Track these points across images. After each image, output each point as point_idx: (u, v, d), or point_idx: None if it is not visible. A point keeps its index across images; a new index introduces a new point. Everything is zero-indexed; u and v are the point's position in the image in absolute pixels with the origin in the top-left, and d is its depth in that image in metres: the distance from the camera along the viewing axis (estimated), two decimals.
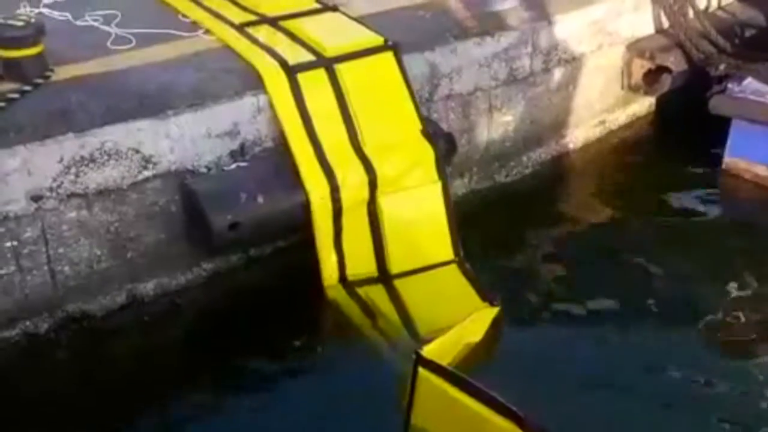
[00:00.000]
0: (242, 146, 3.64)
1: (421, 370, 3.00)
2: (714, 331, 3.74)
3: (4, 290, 3.28)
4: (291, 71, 3.68)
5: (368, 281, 3.80)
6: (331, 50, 3.81)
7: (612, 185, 4.93)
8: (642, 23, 5.07)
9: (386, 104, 3.88)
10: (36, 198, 3.19)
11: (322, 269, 3.72)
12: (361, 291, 3.76)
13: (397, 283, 3.80)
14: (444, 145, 3.94)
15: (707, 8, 5.47)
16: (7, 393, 3.22)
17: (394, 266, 3.82)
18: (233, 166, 3.63)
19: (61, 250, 3.34)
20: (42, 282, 3.35)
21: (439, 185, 3.87)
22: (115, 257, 3.49)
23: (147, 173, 3.41)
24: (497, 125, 4.52)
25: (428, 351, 3.06)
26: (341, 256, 3.76)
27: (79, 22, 4.08)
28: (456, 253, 3.90)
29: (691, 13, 5.18)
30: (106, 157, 3.28)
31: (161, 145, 3.40)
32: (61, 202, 3.26)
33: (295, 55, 3.79)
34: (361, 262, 3.79)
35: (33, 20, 3.50)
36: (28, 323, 3.40)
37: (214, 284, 3.83)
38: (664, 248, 4.31)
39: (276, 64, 3.71)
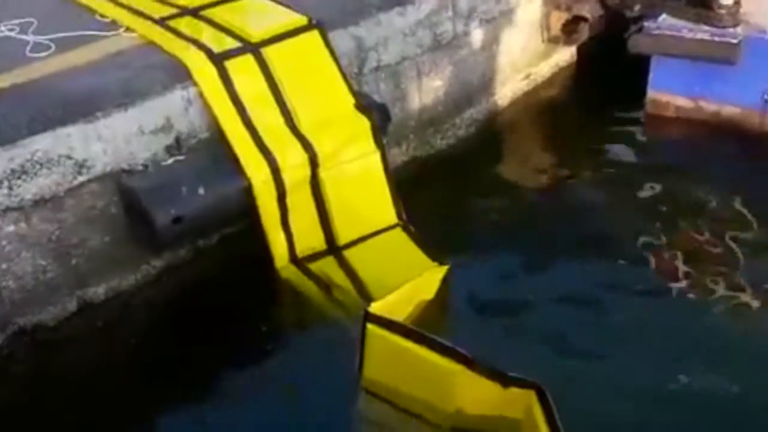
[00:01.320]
0: (177, 140, 3.61)
1: (369, 326, 3.09)
2: (647, 264, 3.90)
3: None
4: (218, 60, 3.66)
5: (318, 255, 3.84)
6: (256, 35, 3.81)
7: (543, 139, 5.08)
8: None
9: (317, 82, 3.89)
10: None
11: (273, 251, 3.75)
12: (313, 266, 3.81)
13: (347, 253, 3.86)
14: (378, 116, 3.98)
15: None
16: None
17: (342, 237, 3.88)
18: (171, 160, 3.61)
19: (3, 266, 3.29)
20: None
21: (377, 155, 3.92)
22: (60, 265, 3.45)
23: (82, 178, 3.36)
24: (428, 91, 4.58)
25: (375, 307, 3.15)
26: (290, 236, 3.79)
27: None
28: (399, 217, 3.98)
29: None
30: (38, 167, 3.22)
31: (93, 148, 3.35)
32: None
33: (221, 43, 3.77)
34: (309, 239, 3.83)
35: None
36: None
37: (166, 280, 3.82)
38: (597, 190, 4.46)
39: (202, 54, 3.69)
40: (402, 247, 3.89)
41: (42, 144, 3.22)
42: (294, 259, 3.81)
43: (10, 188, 3.18)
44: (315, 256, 3.84)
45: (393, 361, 3.05)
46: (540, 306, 3.64)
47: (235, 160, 3.59)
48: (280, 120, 3.73)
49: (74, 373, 3.42)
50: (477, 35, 4.72)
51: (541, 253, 3.99)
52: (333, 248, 3.87)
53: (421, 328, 3.10)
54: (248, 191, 3.59)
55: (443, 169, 4.63)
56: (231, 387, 3.31)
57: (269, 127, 3.68)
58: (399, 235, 3.96)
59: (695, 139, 4.92)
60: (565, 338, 3.44)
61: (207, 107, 3.61)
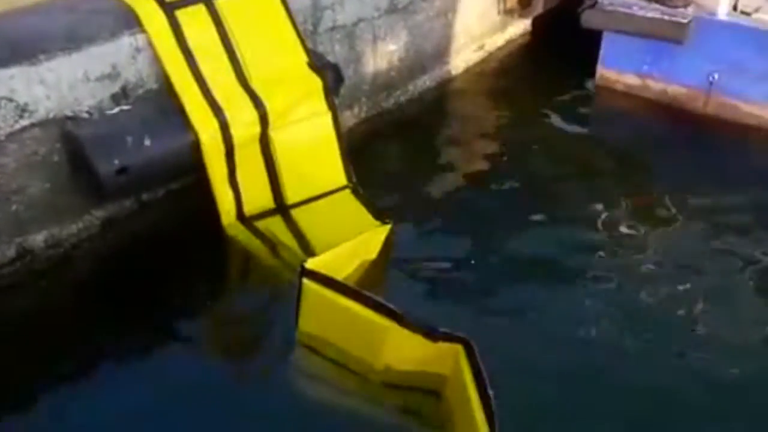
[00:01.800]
0: (124, 89, 3.54)
1: (305, 280, 3.11)
2: (582, 224, 4.05)
3: None
4: (168, 8, 3.59)
5: (266, 214, 3.83)
6: None
7: (493, 108, 5.13)
8: None
9: (270, 39, 3.85)
10: None
11: (219, 208, 3.72)
12: (260, 224, 3.80)
13: (295, 213, 3.86)
14: (331, 76, 3.97)
15: None
16: None
17: (291, 197, 3.87)
18: (116, 109, 3.54)
19: None
20: None
21: (329, 116, 3.92)
22: None
23: (24, 122, 3.28)
24: (382, 55, 4.58)
25: (312, 263, 3.18)
26: (237, 193, 3.77)
27: None
28: (349, 179, 3.99)
29: None
30: None
31: (36, 92, 3.27)
32: None
33: None
34: (257, 197, 3.82)
35: None
36: None
37: (108, 232, 3.77)
38: (539, 157, 4.57)
39: (152, 1, 3.61)
40: (350, 208, 3.91)
41: None
42: (241, 216, 3.79)
43: None
44: (262, 215, 3.83)
45: (327, 316, 3.09)
46: (479, 266, 3.72)
47: (183, 114, 3.54)
48: (231, 75, 3.69)
49: (10, 319, 3.34)
50: (433, 2, 4.73)
51: (484, 215, 4.08)
52: (281, 207, 3.86)
53: (360, 286, 3.14)
54: (195, 146, 3.55)
55: (394, 133, 4.67)
56: (169, 338, 3.31)
57: (219, 81, 3.63)
58: (347, 196, 3.97)
59: (640, 115, 5.05)
60: (499, 296, 3.55)
61: (156, 57, 3.55)
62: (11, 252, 3.52)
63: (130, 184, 3.50)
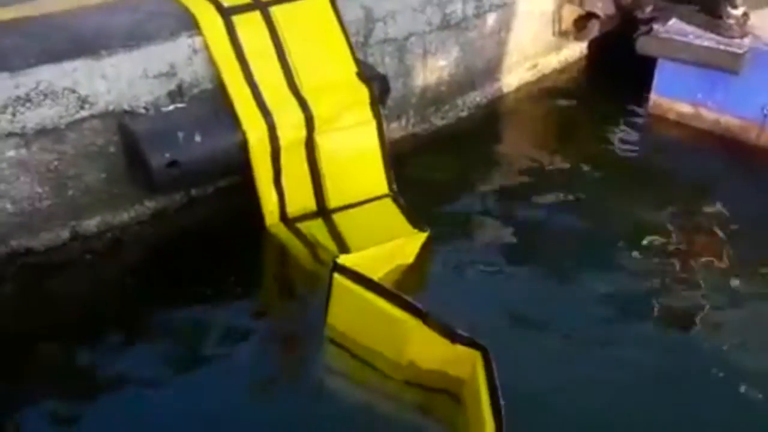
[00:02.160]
0: (180, 87, 3.73)
1: (335, 275, 3.22)
2: (627, 251, 4.01)
3: None
4: (225, 13, 3.78)
5: (307, 216, 3.95)
6: None
7: (543, 127, 5.16)
8: None
9: (321, 47, 3.99)
10: None
11: (263, 207, 3.86)
12: (301, 226, 3.92)
13: (335, 217, 3.97)
14: (378, 86, 4.09)
15: None
16: None
17: (332, 201, 3.99)
18: (171, 107, 3.72)
19: (2, 187, 3.43)
20: None
21: (373, 124, 4.03)
22: (56, 195, 3.59)
23: (84, 113, 3.50)
24: (432, 70, 4.68)
25: (344, 259, 3.29)
26: (281, 194, 3.90)
27: None
28: (390, 188, 4.08)
29: None
30: (42, 97, 3.35)
31: (97, 86, 3.48)
32: (0, 141, 3.34)
33: None
34: (300, 199, 3.94)
35: None
36: None
37: (158, 222, 3.95)
38: (586, 182, 4.55)
39: (211, 6, 3.80)
40: (389, 215, 4.00)
41: (48, 75, 3.35)
42: (284, 217, 3.92)
43: (14, 114, 3.32)
44: (304, 217, 3.95)
45: (354, 312, 3.18)
46: (515, 281, 3.75)
47: (233, 114, 3.71)
48: (282, 79, 3.84)
49: (61, 297, 3.56)
50: (487, 19, 4.80)
51: (524, 232, 4.10)
52: (322, 210, 3.99)
53: (397, 288, 3.21)
54: (244, 145, 3.70)
55: (440, 147, 4.73)
56: (203, 326, 3.44)
57: (270, 84, 3.79)
58: (388, 204, 4.06)
59: (692, 145, 4.99)
60: (531, 313, 3.54)
61: (211, 59, 3.73)
62: (65, 234, 3.74)
63: (180, 178, 3.67)
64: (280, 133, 3.77)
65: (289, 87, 3.86)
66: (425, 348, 2.97)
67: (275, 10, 3.87)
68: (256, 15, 3.84)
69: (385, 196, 4.09)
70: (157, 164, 3.52)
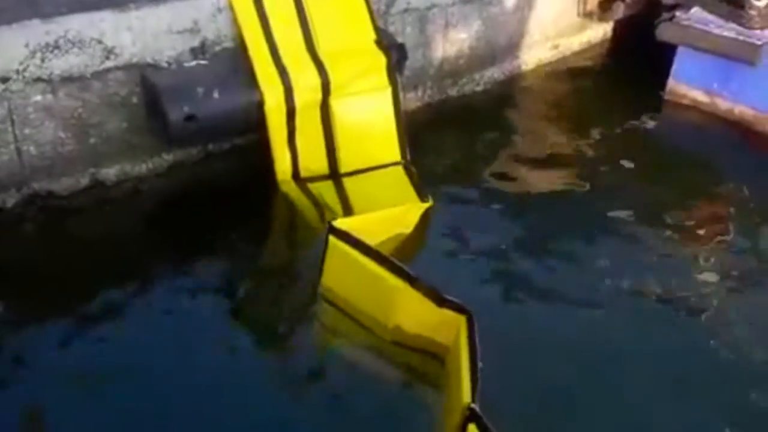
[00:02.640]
0: (203, 44, 3.84)
1: (330, 237, 3.34)
2: (630, 231, 4.06)
3: None
4: None
5: (319, 178, 4.05)
6: None
7: (559, 106, 5.18)
8: None
9: (342, 12, 4.07)
10: (3, 79, 3.40)
11: (276, 165, 3.96)
12: (312, 187, 4.02)
13: (346, 181, 4.07)
14: (396, 54, 4.16)
15: None
16: None
17: (344, 165, 4.08)
18: (193, 63, 3.84)
19: (27, 131, 3.58)
20: (9, 159, 3.59)
21: (389, 91, 4.10)
22: (78, 141, 3.73)
23: (109, 63, 3.62)
24: (453, 42, 4.74)
25: (340, 222, 3.40)
26: (294, 155, 4.00)
27: None
28: (402, 156, 4.16)
29: None
30: (69, 45, 3.48)
31: (123, 37, 3.60)
32: (27, 85, 3.47)
33: None
34: (313, 161, 4.04)
35: None
36: None
37: (175, 174, 4.08)
38: (599, 164, 4.59)
39: None
40: (398, 184, 4.07)
41: (76, 24, 3.47)
42: (296, 176, 4.03)
43: (42, 60, 3.46)
44: (316, 178, 4.05)
45: (347, 273, 3.29)
46: (516, 255, 3.81)
47: (252, 74, 3.81)
48: (301, 42, 3.93)
49: (78, 240, 3.71)
50: None
51: (531, 210, 4.16)
52: (334, 173, 4.08)
53: (394, 255, 3.30)
54: (260, 104, 3.81)
55: (455, 119, 4.81)
56: (206, 280, 3.56)
57: (289, 46, 3.88)
58: (398, 172, 4.14)
59: (705, 132, 5.03)
60: (529, 289, 3.60)
61: (234, 18, 3.83)
62: (85, 180, 3.88)
63: (197, 131, 3.78)
64: (296, 94, 3.87)
65: (308, 50, 3.95)
66: (413, 311, 3.06)
67: None
68: None
69: (397, 163, 4.16)
70: (175, 117, 3.64)
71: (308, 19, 3.96)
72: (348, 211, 3.87)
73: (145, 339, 3.25)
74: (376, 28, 4.11)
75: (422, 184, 4.01)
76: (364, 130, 4.12)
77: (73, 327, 3.27)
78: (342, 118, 4.02)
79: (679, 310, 3.57)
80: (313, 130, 4.02)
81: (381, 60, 4.05)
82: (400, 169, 4.16)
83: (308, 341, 3.36)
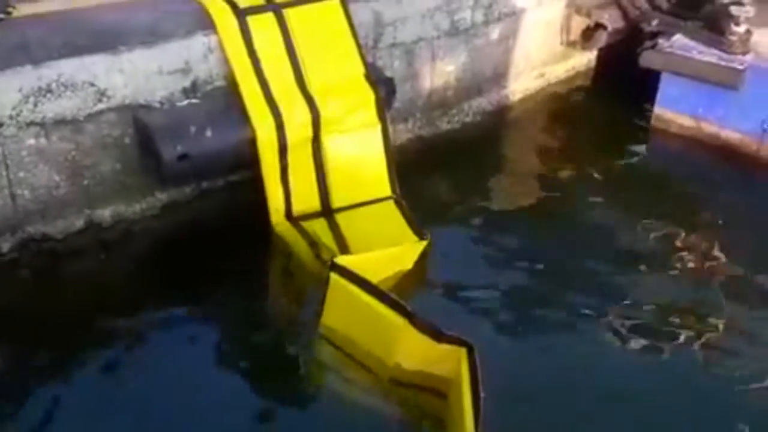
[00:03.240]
0: (194, 84, 3.87)
1: (332, 274, 3.35)
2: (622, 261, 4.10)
3: None
4: (241, 14, 3.92)
5: (312, 215, 4.06)
6: None
7: (548, 134, 5.27)
8: None
9: (332, 49, 4.11)
10: None
11: (269, 204, 3.98)
12: (306, 224, 4.03)
13: (338, 217, 4.09)
14: (384, 89, 4.22)
15: None
16: None
17: (336, 201, 4.10)
18: (185, 102, 3.87)
19: (21, 175, 3.58)
20: (3, 204, 3.59)
21: (378, 128, 4.15)
22: (72, 184, 3.74)
23: (102, 106, 3.64)
24: (440, 74, 4.81)
25: (342, 260, 3.42)
26: (287, 192, 4.02)
27: None
28: (393, 191, 4.19)
29: None
30: (62, 89, 3.50)
31: (115, 80, 3.63)
32: (20, 130, 3.49)
33: None
34: (305, 198, 4.06)
35: None
36: None
37: (169, 213, 4.09)
38: (591, 194, 4.63)
39: (228, 7, 3.94)
40: (391, 219, 4.09)
41: (68, 68, 3.50)
42: (289, 214, 4.03)
43: (35, 104, 3.48)
44: (309, 216, 4.05)
45: (348, 310, 3.30)
46: (511, 293, 3.82)
47: (244, 111, 3.85)
48: (291, 79, 3.97)
49: (74, 282, 3.71)
50: (495, 27, 4.93)
51: (523, 244, 4.18)
52: (326, 210, 4.10)
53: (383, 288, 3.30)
54: (253, 141, 3.84)
55: (445, 151, 4.85)
56: (203, 320, 3.59)
57: (279, 83, 3.92)
58: (390, 207, 4.16)
59: (693, 157, 5.10)
60: (524, 326, 3.62)
61: (225, 57, 3.87)
62: (80, 222, 3.88)
63: (191, 170, 3.81)
64: (287, 130, 3.90)
65: (299, 86, 3.99)
66: (414, 347, 3.07)
67: (289, 12, 4.01)
68: (270, 16, 3.98)
69: (388, 198, 4.19)
70: (168, 156, 3.66)
71: (298, 55, 4.01)
72: (344, 248, 3.87)
73: (141, 381, 3.24)
74: (365, 63, 4.16)
75: (416, 219, 4.02)
76: (355, 166, 4.15)
77: (70, 369, 3.27)
78: (333, 154, 4.06)
79: (670, 342, 3.58)
80: (306, 167, 4.04)
81: (370, 96, 4.10)
82: (391, 203, 4.18)
83: (308, 380, 3.36)
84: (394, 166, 4.22)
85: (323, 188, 4.10)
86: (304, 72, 4.01)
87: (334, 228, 4.06)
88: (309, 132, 3.97)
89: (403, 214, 4.10)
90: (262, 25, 3.95)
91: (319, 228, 4.03)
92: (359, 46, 4.15)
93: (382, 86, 4.18)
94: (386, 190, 4.20)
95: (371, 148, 4.18)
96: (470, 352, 2.88)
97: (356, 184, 4.16)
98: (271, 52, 3.95)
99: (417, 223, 3.99)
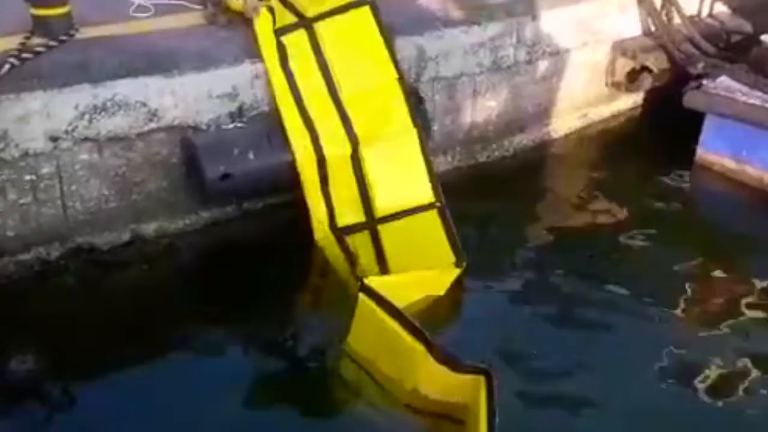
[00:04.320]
0: (240, 108, 4.06)
1: (360, 295, 3.41)
2: (661, 303, 4.04)
3: (22, 218, 3.74)
4: (276, 34, 4.08)
5: (357, 227, 4.10)
6: (312, 11, 4.18)
7: (588, 174, 5.26)
8: (628, 25, 5.43)
9: (364, 56, 4.18)
10: (53, 138, 3.65)
11: (312, 215, 4.06)
12: (349, 238, 4.09)
13: (382, 229, 4.10)
14: (414, 99, 4.27)
15: (698, 14, 5.82)
16: (19, 308, 3.66)
17: (380, 210, 4.11)
18: (231, 125, 4.06)
19: (73, 187, 3.80)
20: (55, 214, 3.81)
21: (414, 133, 4.17)
22: (121, 198, 3.94)
23: (152, 125, 3.85)
24: (481, 109, 4.90)
25: (372, 281, 3.47)
26: (329, 203, 4.09)
27: None
28: (437, 198, 4.16)
29: (676, 18, 5.52)
30: (116, 108, 3.72)
31: (166, 101, 3.83)
32: (75, 144, 3.71)
33: (282, 18, 4.17)
34: (348, 209, 4.11)
35: None
36: (41, 250, 3.86)
37: (210, 231, 4.26)
38: (630, 233, 4.60)
39: (270, 30, 4.09)
40: (433, 234, 4.08)
41: (123, 88, 3.72)
42: (333, 227, 4.09)
43: (90, 121, 3.70)
44: (353, 227, 4.10)
45: (373, 333, 3.34)
46: (535, 324, 3.84)
47: (284, 134, 4.00)
48: (325, 93, 4.08)
49: (117, 293, 3.88)
50: (538, 66, 5.01)
51: (559, 280, 4.17)
52: (370, 220, 4.11)
53: (416, 318, 3.31)
54: (293, 166, 3.99)
55: (484, 184, 4.89)
56: (243, 329, 3.70)
57: (314, 99, 4.04)
58: (434, 219, 4.12)
59: (735, 199, 5.03)
60: (552, 364, 3.58)
61: (268, 82, 4.04)
62: (126, 236, 4.08)
63: (232, 189, 3.99)
64: (323, 142, 4.02)
65: (333, 101, 4.09)
66: (432, 374, 3.10)
67: (319, 26, 4.13)
68: (302, 33, 4.11)
69: (432, 206, 4.15)
70: (211, 175, 3.84)
71: (330, 68, 4.09)
72: (383, 264, 3.94)
73: (176, 390, 3.36)
74: (398, 67, 4.18)
75: (456, 237, 4.02)
76: (394, 172, 4.16)
77: (105, 377, 3.41)
78: (372, 162, 4.10)
79: (698, 389, 3.53)
80: (346, 177, 4.10)
81: (403, 102, 4.15)
82: (434, 214, 4.14)
83: (327, 399, 3.42)
84: (435, 172, 4.22)
85: (365, 198, 4.12)
86: (337, 85, 4.09)
87: (376, 242, 4.09)
88: (346, 142, 4.06)
89: (446, 228, 4.08)
90: (295, 43, 4.09)
91: (360, 242, 4.08)
92: (391, 51, 4.18)
93: (412, 96, 4.24)
94: (429, 196, 4.17)
95: (409, 153, 4.18)
96: (489, 379, 2.90)
97: (398, 191, 4.15)
98: (303, 68, 4.07)
99: (458, 243, 3.99)
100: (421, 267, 3.89)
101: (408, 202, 4.17)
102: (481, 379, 2.96)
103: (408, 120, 4.17)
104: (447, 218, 4.12)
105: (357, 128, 4.07)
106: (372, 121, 4.11)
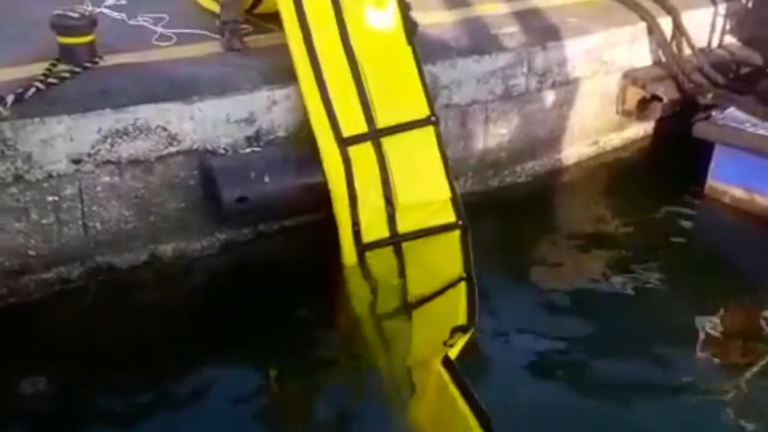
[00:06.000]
0: (257, 133, 4.16)
1: (441, 368, 3.23)
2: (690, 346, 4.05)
3: (44, 238, 3.84)
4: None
5: (379, 244, 4.22)
6: None
7: (598, 202, 5.33)
8: (638, 54, 5.52)
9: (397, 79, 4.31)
10: (76, 161, 3.76)
11: (342, 243, 4.15)
12: (371, 254, 4.19)
13: (406, 247, 4.24)
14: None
15: (708, 45, 5.91)
16: (39, 328, 3.75)
17: (401, 227, 4.25)
18: (248, 150, 4.17)
19: (94, 208, 3.90)
20: (76, 234, 3.91)
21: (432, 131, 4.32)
22: (140, 219, 4.04)
23: (172, 149, 3.96)
24: (493, 136, 4.99)
25: (453, 353, 3.30)
26: (356, 217, 4.16)
27: (131, 22, 4.75)
28: (459, 216, 4.34)
29: (686, 49, 5.61)
30: (137, 132, 3.83)
31: (185, 126, 3.95)
32: (97, 167, 3.82)
33: None
34: (375, 223, 4.19)
35: (87, 14, 4.14)
36: (62, 269, 3.95)
37: (227, 253, 4.33)
38: (638, 262, 4.63)
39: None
40: (451, 259, 4.16)
41: (145, 113, 3.84)
42: (358, 242, 4.17)
43: (112, 145, 3.81)
44: (376, 244, 4.20)
45: (437, 403, 3.24)
46: (553, 355, 3.88)
47: (299, 160, 4.12)
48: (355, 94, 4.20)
49: (135, 313, 3.94)
50: (549, 94, 5.10)
51: (570, 309, 4.22)
52: (394, 237, 4.24)
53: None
54: (307, 189, 4.10)
55: (496, 209, 4.95)
56: (254, 351, 3.75)
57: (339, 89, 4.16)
58: (453, 242, 4.26)
59: (745, 229, 5.07)
60: (570, 395, 3.63)
61: (288, 110, 4.16)
62: (144, 256, 4.16)
63: (248, 212, 4.08)
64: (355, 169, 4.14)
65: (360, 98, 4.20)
66: None
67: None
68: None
69: (455, 226, 4.32)
70: (228, 198, 3.94)
71: (367, 91, 4.21)
72: (402, 286, 4.06)
73: (193, 417, 3.43)
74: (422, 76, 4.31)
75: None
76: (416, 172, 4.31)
77: (119, 399, 3.48)
78: (393, 158, 4.23)
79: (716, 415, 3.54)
80: (374, 198, 4.20)
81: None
82: (456, 237, 4.28)
83: None
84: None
85: (392, 218, 4.23)
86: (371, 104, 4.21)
87: (400, 260, 4.22)
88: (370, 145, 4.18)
89: (464, 252, 4.17)
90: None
91: (384, 259, 4.17)
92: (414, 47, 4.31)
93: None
94: (446, 191, 4.32)
95: (428, 152, 4.33)
96: None
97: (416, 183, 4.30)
98: (333, 65, 4.17)
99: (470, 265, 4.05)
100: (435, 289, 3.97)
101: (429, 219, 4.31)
102: None
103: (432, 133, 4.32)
104: (467, 239, 4.25)
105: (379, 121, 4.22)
106: (394, 119, 4.25)
